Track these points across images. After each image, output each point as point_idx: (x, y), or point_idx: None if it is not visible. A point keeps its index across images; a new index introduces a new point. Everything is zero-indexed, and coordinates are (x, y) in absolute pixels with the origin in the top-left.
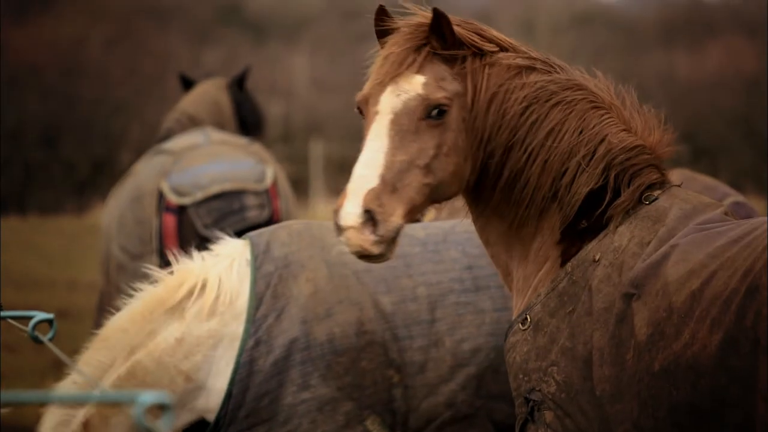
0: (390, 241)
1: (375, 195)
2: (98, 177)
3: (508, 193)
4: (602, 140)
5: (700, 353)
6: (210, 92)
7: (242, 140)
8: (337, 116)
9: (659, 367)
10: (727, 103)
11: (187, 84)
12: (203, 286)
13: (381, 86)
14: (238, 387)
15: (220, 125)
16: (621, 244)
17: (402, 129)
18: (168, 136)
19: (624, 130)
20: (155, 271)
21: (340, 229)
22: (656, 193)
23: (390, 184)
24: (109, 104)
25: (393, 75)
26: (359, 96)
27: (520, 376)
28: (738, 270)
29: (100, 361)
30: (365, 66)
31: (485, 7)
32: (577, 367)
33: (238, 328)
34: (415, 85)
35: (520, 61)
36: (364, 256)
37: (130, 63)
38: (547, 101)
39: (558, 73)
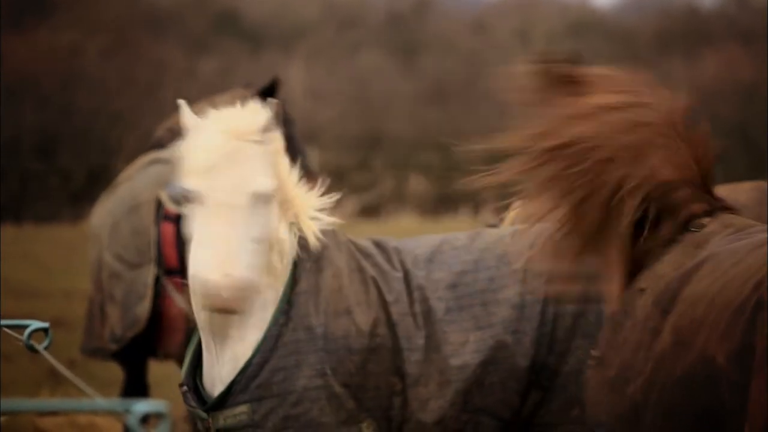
0: None
1: None
2: (94, 186)
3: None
4: (650, 174)
5: (711, 363)
6: (218, 103)
7: None
8: (333, 125)
9: (678, 376)
10: (724, 112)
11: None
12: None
13: None
14: (260, 357)
15: None
16: (664, 271)
17: None
18: (158, 145)
19: (670, 161)
20: None
21: None
22: (705, 220)
23: None
24: (106, 114)
25: None
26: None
27: (590, 409)
28: (750, 279)
29: None
30: (360, 76)
31: (481, 17)
32: (624, 402)
33: (279, 293)
34: None
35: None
36: None
37: (127, 73)
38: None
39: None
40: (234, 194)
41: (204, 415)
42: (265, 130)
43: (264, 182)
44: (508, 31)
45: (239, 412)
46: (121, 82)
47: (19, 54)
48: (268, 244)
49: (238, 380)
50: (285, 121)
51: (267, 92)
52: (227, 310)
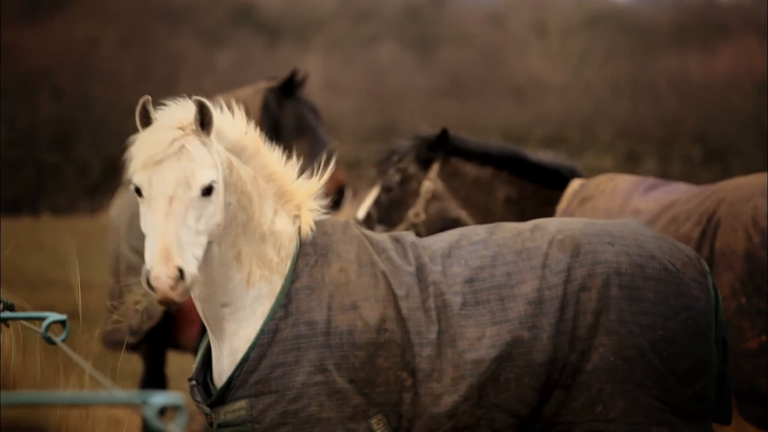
0: None
1: None
2: (110, 178)
3: None
4: None
5: None
6: (238, 96)
7: None
8: (349, 117)
9: None
10: (739, 105)
11: None
12: (299, 209)
13: None
14: (257, 352)
15: None
16: None
17: None
18: None
19: None
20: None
21: None
22: None
23: None
24: (122, 106)
25: None
26: None
27: None
28: None
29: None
30: (376, 68)
31: (496, 9)
32: None
33: (277, 287)
34: None
35: None
36: None
37: (142, 65)
38: None
39: None
40: (175, 186)
41: (207, 410)
42: (207, 123)
43: (205, 174)
44: (525, 24)
45: (238, 407)
46: (136, 75)
47: (34, 46)
48: (213, 236)
49: (237, 375)
50: (308, 111)
51: (288, 84)
52: (167, 302)
